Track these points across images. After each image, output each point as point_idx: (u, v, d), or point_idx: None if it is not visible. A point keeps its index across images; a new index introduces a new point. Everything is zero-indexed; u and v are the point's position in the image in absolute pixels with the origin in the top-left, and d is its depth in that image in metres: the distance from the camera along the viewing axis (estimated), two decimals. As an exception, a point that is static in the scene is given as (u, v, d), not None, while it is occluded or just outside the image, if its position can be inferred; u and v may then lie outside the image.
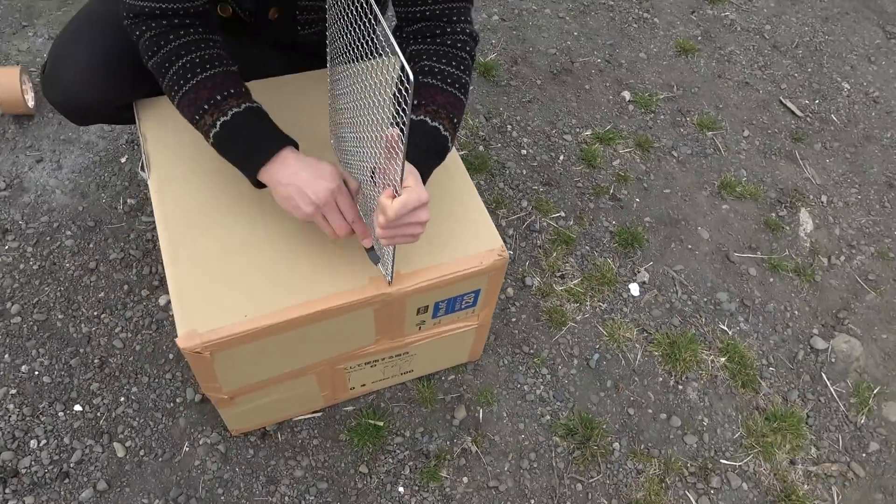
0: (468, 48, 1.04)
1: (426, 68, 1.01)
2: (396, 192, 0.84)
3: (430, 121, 0.97)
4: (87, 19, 1.13)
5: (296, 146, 0.97)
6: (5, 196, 1.59)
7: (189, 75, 0.94)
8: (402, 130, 0.75)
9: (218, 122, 0.93)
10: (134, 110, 1.19)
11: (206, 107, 0.94)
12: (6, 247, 1.51)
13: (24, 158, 1.66)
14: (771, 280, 1.72)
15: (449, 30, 1.02)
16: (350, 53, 0.88)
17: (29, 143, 1.69)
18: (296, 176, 0.93)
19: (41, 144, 1.69)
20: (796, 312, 1.67)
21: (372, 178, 0.92)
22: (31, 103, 1.71)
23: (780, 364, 1.58)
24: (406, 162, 0.84)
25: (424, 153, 0.96)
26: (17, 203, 1.58)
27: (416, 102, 0.97)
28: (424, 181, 0.94)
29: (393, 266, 1.00)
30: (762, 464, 1.43)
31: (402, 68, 0.69)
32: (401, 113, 0.75)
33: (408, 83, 0.69)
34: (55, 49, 1.12)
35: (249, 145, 0.94)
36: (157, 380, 1.37)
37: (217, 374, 1.04)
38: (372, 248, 1.03)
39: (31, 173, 1.64)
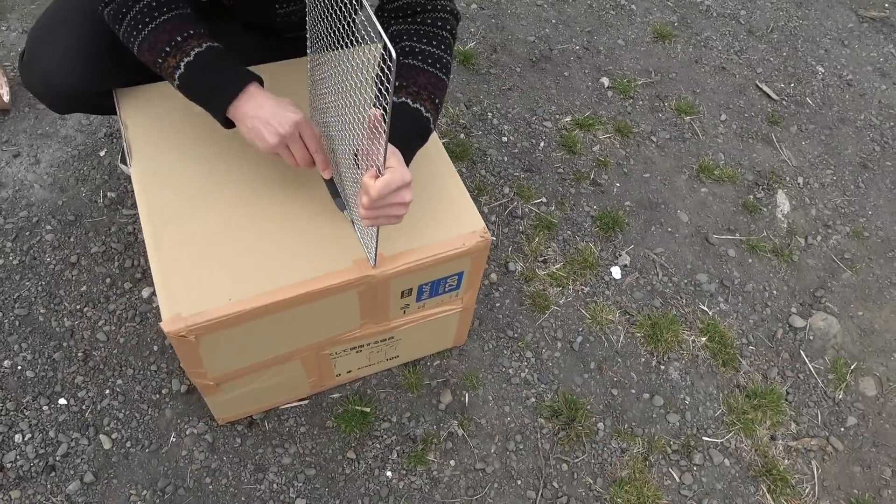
0: (449, 26, 1.04)
1: (407, 49, 1.01)
2: (379, 172, 0.84)
3: (411, 102, 0.97)
4: (65, 6, 1.12)
5: (261, 82, 0.98)
6: (-18, 191, 1.58)
7: (147, 20, 0.95)
8: (384, 111, 0.76)
9: (182, 63, 0.94)
10: (114, 99, 1.18)
11: (167, 49, 0.94)
12: (-15, 242, 1.50)
13: (1, 154, 1.64)
14: (749, 261, 1.75)
15: (430, 7, 1.02)
16: (330, 39, 0.89)
17: (5, 139, 1.67)
18: (260, 108, 0.94)
19: (18, 139, 1.67)
20: (775, 292, 1.70)
21: (355, 160, 0.93)
22: (6, 98, 1.69)
23: (759, 343, 1.61)
24: (389, 143, 0.85)
25: (406, 135, 0.96)
26: (-5, 198, 1.57)
27: (397, 84, 0.98)
28: (407, 163, 0.94)
29: (376, 248, 1.01)
30: (743, 440, 1.46)
31: (385, 47, 0.69)
32: (383, 93, 0.75)
33: (390, 61, 0.69)
34: (33, 36, 1.11)
35: (215, 84, 0.95)
36: (142, 372, 1.37)
37: (202, 358, 1.04)
38: (331, 180, 1.06)
39: (9, 168, 1.62)
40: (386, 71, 0.72)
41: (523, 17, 2.23)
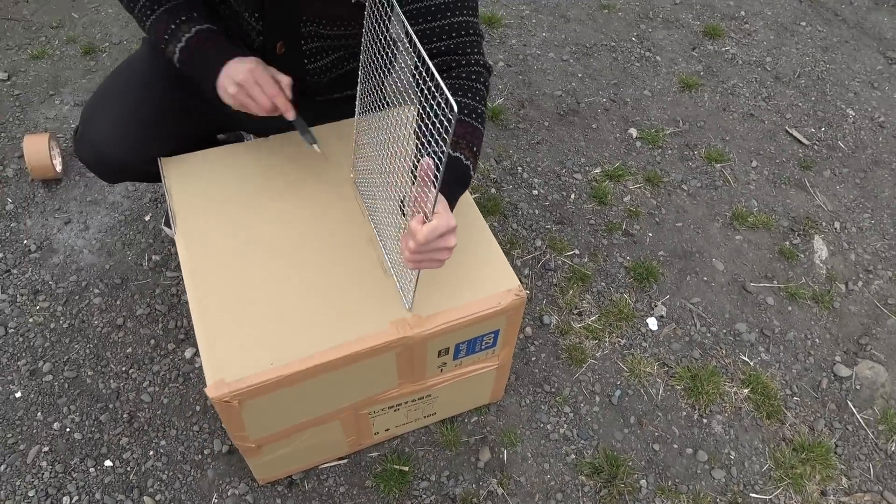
0: (482, 79, 1.09)
1: None
2: (427, 218, 0.88)
3: (451, 152, 1.01)
4: (114, 85, 1.20)
5: (243, 53, 1.09)
6: (36, 258, 1.65)
7: (148, 12, 1.10)
8: (438, 160, 0.79)
9: (177, 49, 1.08)
10: (159, 167, 1.24)
11: (166, 37, 1.09)
12: (37, 307, 1.56)
13: (53, 221, 1.72)
14: (789, 309, 1.72)
15: (464, 62, 1.08)
16: (375, 98, 0.94)
17: (57, 206, 1.75)
18: (227, 68, 1.08)
19: (69, 206, 1.75)
20: (817, 340, 1.67)
21: (401, 208, 0.96)
22: (58, 168, 1.78)
23: (804, 393, 1.57)
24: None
25: (448, 183, 1.01)
26: (47, 264, 1.64)
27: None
28: (451, 210, 0.98)
29: (415, 293, 1.03)
30: (793, 496, 1.41)
31: (447, 101, 0.74)
32: (439, 143, 0.79)
33: (451, 114, 0.74)
34: (86, 113, 1.19)
35: (202, 65, 1.09)
36: (184, 432, 1.39)
37: (245, 422, 1.06)
38: (299, 118, 1.14)
39: (60, 235, 1.70)
40: (445, 123, 0.77)
41: (550, 73, 2.28)
